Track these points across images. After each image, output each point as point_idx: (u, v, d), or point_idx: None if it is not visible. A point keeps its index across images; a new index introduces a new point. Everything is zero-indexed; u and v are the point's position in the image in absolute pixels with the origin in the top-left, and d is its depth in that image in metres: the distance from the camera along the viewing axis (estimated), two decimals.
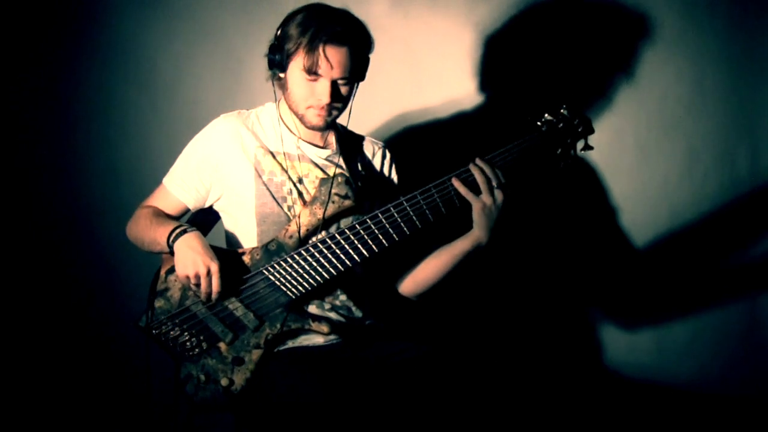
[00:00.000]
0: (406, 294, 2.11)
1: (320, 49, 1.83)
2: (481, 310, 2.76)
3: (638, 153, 2.69)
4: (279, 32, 1.90)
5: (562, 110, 1.96)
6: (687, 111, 2.68)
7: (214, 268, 1.82)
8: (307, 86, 1.88)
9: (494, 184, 1.86)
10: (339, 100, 1.91)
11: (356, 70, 1.90)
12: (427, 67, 2.71)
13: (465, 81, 2.70)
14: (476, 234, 1.93)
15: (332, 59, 1.84)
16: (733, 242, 2.67)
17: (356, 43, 1.88)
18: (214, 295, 1.85)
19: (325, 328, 1.90)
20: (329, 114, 1.93)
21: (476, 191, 1.87)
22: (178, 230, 1.87)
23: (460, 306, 2.72)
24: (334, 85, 1.87)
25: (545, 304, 2.77)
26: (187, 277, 1.84)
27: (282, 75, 1.92)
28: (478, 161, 1.87)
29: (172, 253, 1.87)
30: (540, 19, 2.64)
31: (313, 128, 1.96)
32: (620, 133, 2.68)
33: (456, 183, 1.86)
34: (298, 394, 1.78)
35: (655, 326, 2.75)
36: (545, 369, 2.75)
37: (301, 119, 1.95)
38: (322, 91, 1.87)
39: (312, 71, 1.85)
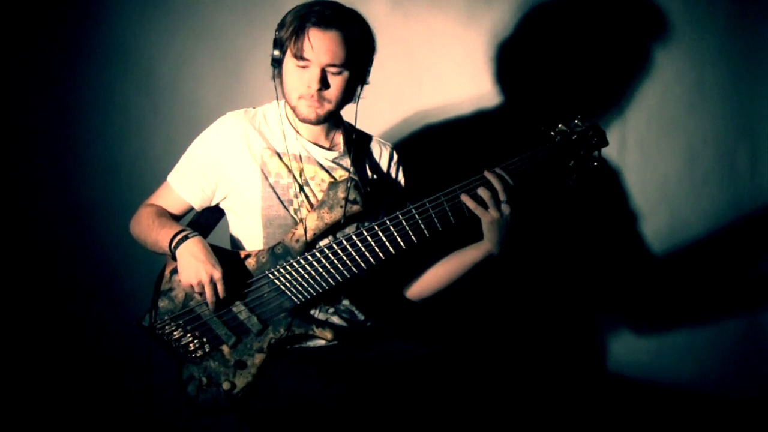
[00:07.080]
0: (412, 298, 2.09)
1: (307, 32, 1.79)
2: (483, 312, 2.76)
3: (638, 153, 2.70)
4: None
5: (576, 120, 1.92)
6: (687, 111, 2.68)
7: (217, 275, 1.81)
8: (298, 74, 1.84)
9: (502, 198, 1.83)
10: (330, 90, 1.86)
11: (350, 60, 1.84)
12: (427, 67, 2.70)
13: (465, 82, 2.69)
14: (487, 246, 1.91)
15: (320, 42, 1.79)
16: (734, 243, 2.68)
17: (346, 28, 1.82)
18: (221, 295, 1.83)
19: (328, 335, 1.89)
20: (321, 105, 1.87)
21: (484, 205, 1.84)
22: (179, 236, 1.85)
23: (464, 308, 2.72)
24: (323, 72, 1.83)
25: (545, 305, 2.77)
26: (191, 286, 1.83)
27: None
28: (486, 174, 1.83)
29: (174, 258, 1.86)
30: (540, 20, 2.64)
31: (305, 121, 1.91)
32: (620, 132, 2.68)
33: (465, 198, 1.83)
34: (299, 393, 1.79)
35: (656, 327, 2.75)
36: (546, 369, 2.76)
37: (294, 110, 1.90)
38: (311, 78, 1.83)
39: (300, 56, 1.80)
